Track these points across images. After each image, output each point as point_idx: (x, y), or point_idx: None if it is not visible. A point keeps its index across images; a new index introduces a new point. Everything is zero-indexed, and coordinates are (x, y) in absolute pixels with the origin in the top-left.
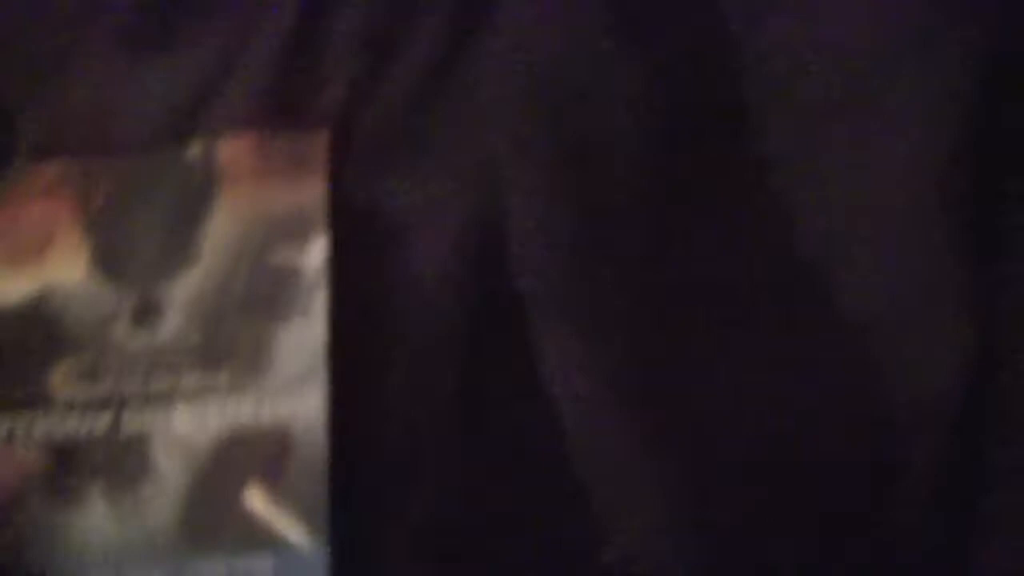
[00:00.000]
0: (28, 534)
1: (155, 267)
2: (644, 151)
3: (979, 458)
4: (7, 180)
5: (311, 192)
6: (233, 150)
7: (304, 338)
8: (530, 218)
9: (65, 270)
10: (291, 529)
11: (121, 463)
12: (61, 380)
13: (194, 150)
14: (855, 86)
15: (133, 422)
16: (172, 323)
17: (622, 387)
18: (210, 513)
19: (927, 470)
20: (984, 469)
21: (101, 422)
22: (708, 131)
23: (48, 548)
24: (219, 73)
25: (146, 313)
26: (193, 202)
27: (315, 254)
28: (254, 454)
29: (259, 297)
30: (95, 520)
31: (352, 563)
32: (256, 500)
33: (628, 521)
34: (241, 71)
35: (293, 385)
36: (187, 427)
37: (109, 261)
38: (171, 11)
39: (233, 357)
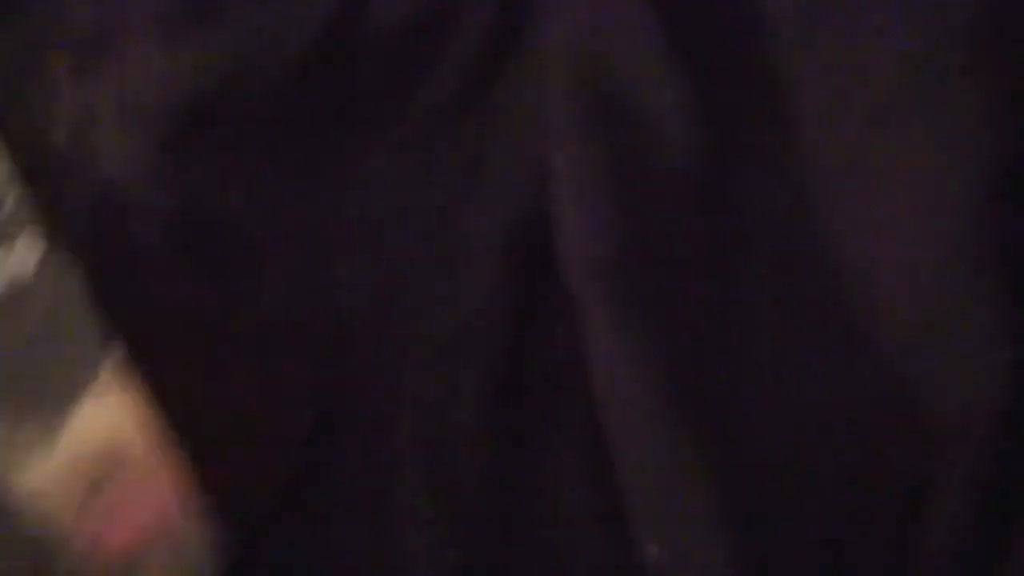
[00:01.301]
0: None
1: None
2: (693, 154)
3: (1012, 478)
4: None
5: None
6: None
7: None
8: (578, 218)
9: None
10: None
11: None
12: None
13: None
14: (898, 101)
15: None
16: None
17: (669, 391)
18: None
19: (961, 487)
20: (1018, 489)
21: None
22: (754, 138)
23: None
24: (253, 57)
25: None
26: None
27: None
28: None
29: None
30: None
31: None
32: None
33: (674, 523)
34: (275, 60)
35: None
36: None
37: None
38: None
39: None
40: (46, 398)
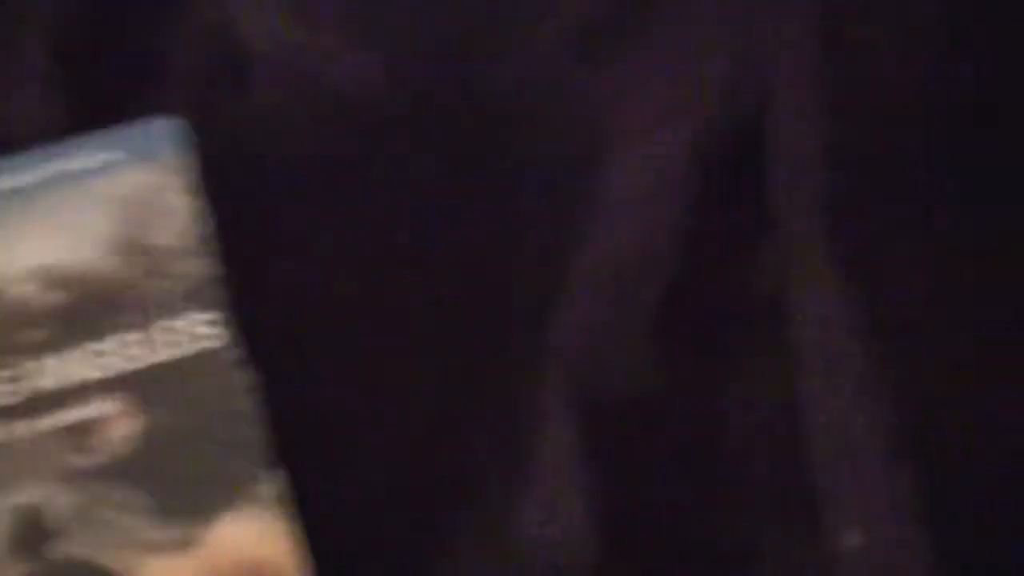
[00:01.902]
0: None
1: None
2: (923, 89)
3: None
4: None
5: None
6: None
7: None
8: (801, 140)
9: None
10: None
11: None
12: None
13: None
14: None
15: None
16: None
17: (880, 354)
18: None
19: None
20: None
21: None
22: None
23: None
24: None
25: None
26: None
27: None
28: None
29: None
30: None
31: None
32: None
33: (880, 511)
34: None
35: None
36: None
37: None
38: None
39: None
40: (193, 505)
